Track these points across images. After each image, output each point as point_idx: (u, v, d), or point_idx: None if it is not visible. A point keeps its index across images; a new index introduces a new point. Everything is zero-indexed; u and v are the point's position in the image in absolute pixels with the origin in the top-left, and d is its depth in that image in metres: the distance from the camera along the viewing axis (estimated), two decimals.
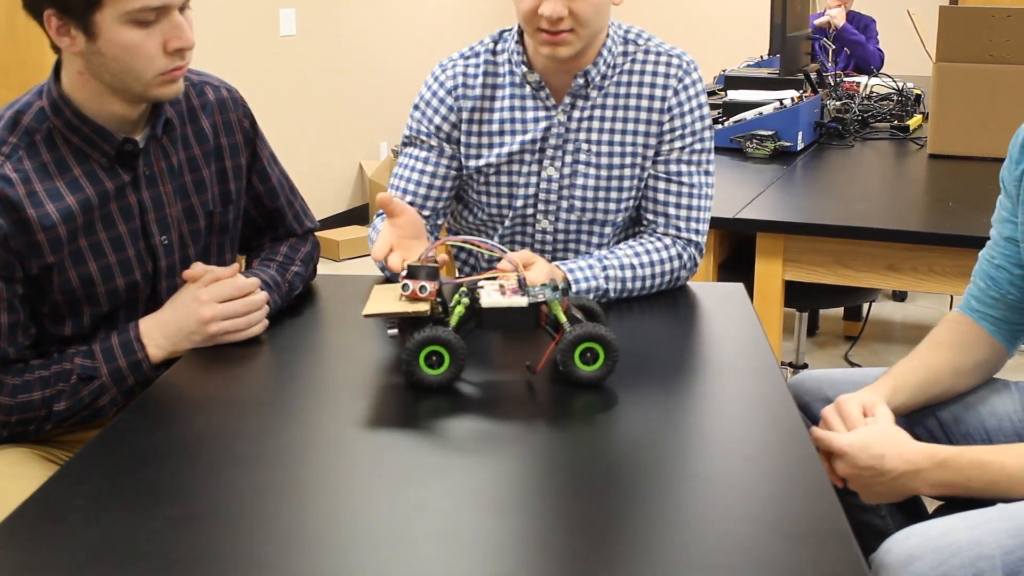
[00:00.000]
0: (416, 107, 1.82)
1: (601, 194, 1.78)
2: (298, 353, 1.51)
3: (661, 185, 1.77)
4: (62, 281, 1.46)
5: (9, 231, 1.40)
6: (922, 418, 1.50)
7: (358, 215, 5.85)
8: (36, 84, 1.51)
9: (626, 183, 1.78)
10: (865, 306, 4.01)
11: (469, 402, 1.32)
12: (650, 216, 1.78)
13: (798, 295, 2.73)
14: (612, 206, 1.79)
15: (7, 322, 1.43)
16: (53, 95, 1.46)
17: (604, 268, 1.68)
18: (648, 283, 1.71)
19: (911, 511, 1.57)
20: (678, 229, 1.76)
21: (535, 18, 1.64)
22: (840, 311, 4.20)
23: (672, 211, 1.76)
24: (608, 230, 1.81)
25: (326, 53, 5.53)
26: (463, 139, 1.80)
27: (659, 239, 1.75)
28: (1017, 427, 1.56)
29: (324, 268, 1.84)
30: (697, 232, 1.77)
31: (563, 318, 1.35)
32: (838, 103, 3.54)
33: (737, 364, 1.44)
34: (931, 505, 1.60)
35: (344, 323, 1.63)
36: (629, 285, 1.69)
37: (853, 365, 3.75)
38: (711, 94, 4.01)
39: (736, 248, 2.57)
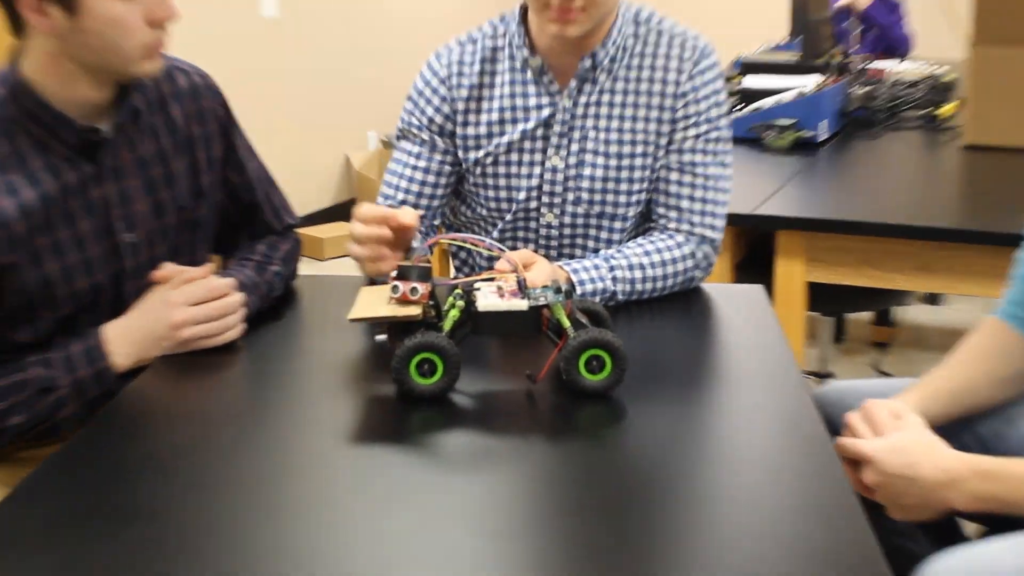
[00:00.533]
0: (409, 98, 1.83)
1: (610, 185, 1.78)
2: (277, 361, 1.51)
3: (674, 176, 1.77)
4: (18, 283, 1.46)
5: None
6: (958, 432, 1.50)
7: (344, 211, 5.84)
8: None
9: (637, 173, 1.78)
10: (896, 310, 4.02)
11: (464, 414, 1.32)
12: (662, 210, 1.78)
13: (822, 298, 2.72)
14: (622, 198, 1.79)
15: None
16: (12, 80, 1.46)
17: (611, 268, 1.67)
18: (659, 284, 1.71)
19: (948, 537, 1.56)
20: (692, 224, 1.75)
21: None
22: (868, 316, 4.20)
23: (685, 204, 1.76)
24: (618, 224, 1.81)
25: (311, 36, 5.54)
26: (459, 131, 1.81)
27: (671, 236, 1.75)
28: None
29: (307, 268, 1.84)
30: (712, 228, 1.76)
31: (567, 323, 1.34)
32: (864, 90, 3.54)
33: (756, 373, 1.44)
34: (970, 531, 1.60)
35: (328, 328, 1.63)
36: (639, 287, 1.69)
37: (883, 374, 3.75)
38: (727, 80, 4.01)
39: (754, 247, 2.57)
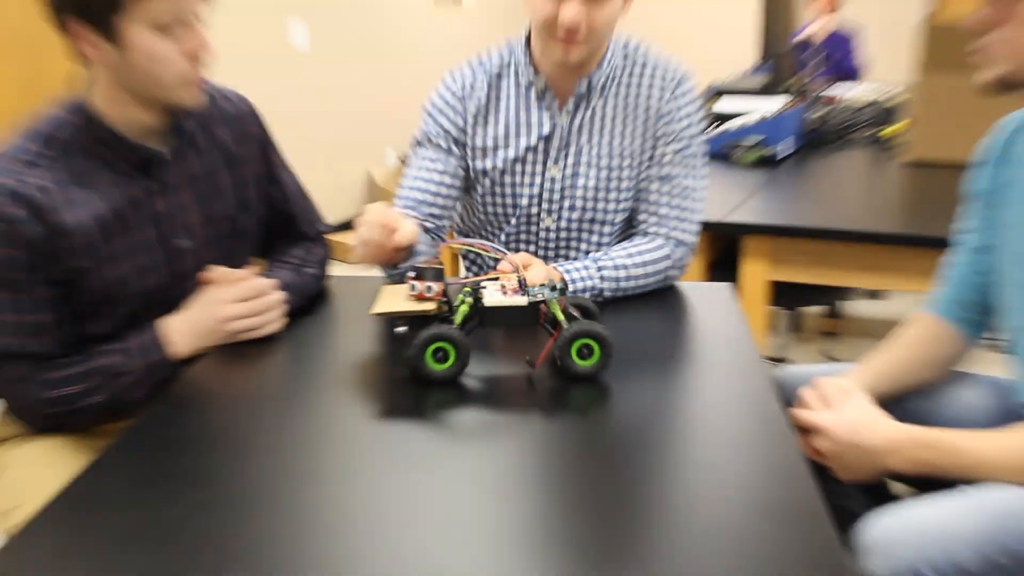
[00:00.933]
0: (426, 111, 1.82)
1: (601, 194, 1.79)
2: (312, 349, 1.51)
3: (654, 187, 1.77)
4: (93, 283, 1.47)
5: (41, 236, 1.40)
6: (892, 408, 1.51)
7: None
8: (55, 95, 1.52)
9: (624, 183, 1.78)
10: (843, 304, 4.02)
11: (473, 395, 1.33)
12: (643, 216, 1.78)
13: (781, 294, 2.73)
14: (611, 206, 1.80)
15: (44, 322, 1.44)
16: (83, 108, 1.46)
17: (599, 268, 1.68)
18: (641, 282, 1.72)
19: (879, 495, 1.58)
20: (669, 229, 1.76)
21: (552, 24, 1.65)
22: (820, 309, 4.20)
23: (664, 211, 1.76)
24: (607, 229, 1.82)
25: (336, 66, 5.51)
26: (469, 142, 1.80)
27: (651, 239, 1.75)
28: (982, 417, 1.57)
29: (335, 269, 1.85)
30: (687, 232, 1.77)
31: (561, 316, 1.36)
32: (819, 113, 3.54)
33: (724, 359, 1.44)
34: (898, 491, 1.62)
35: (355, 321, 1.64)
36: (623, 284, 1.70)
37: (832, 360, 3.75)
38: (702, 103, 4.02)
39: (724, 249, 2.57)
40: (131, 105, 1.46)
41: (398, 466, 1.13)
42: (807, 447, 1.43)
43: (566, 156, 1.78)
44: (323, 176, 5.50)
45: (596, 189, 1.78)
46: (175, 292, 1.56)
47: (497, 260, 1.84)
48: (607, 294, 1.69)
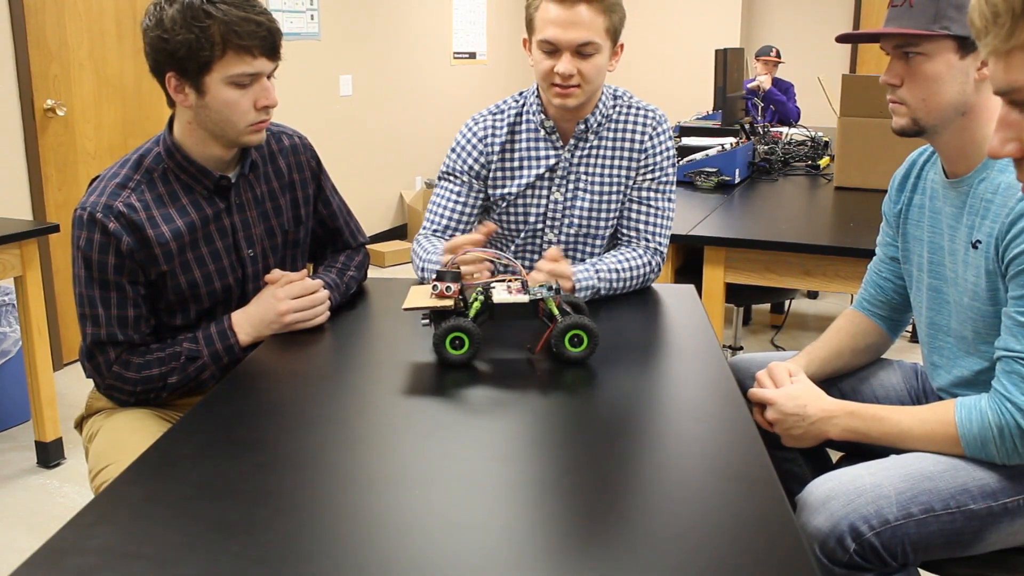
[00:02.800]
0: (453, 150, 1.81)
1: (594, 214, 1.78)
2: (353, 337, 1.50)
3: (634, 207, 1.76)
4: (174, 285, 1.46)
5: (134, 246, 1.40)
6: (827, 388, 1.50)
7: (399, 232, 5.86)
8: (155, 134, 1.51)
9: (612, 206, 1.77)
10: (787, 302, 4.01)
11: (484, 375, 1.32)
12: (627, 232, 1.78)
13: (736, 294, 2.73)
14: (602, 223, 1.78)
15: (133, 315, 1.43)
16: (167, 142, 1.46)
17: (597, 272, 1.67)
18: (628, 284, 1.71)
19: (819, 461, 1.56)
20: (647, 241, 1.75)
21: (551, 75, 1.64)
22: (768, 306, 4.20)
23: (642, 227, 1.76)
24: (598, 242, 1.80)
25: (375, 109, 5.54)
26: (491, 174, 1.79)
27: (634, 250, 1.74)
28: (900, 396, 1.56)
29: (372, 273, 1.84)
30: (661, 244, 1.76)
31: (556, 311, 1.35)
32: (766, 147, 3.53)
33: (689, 347, 1.44)
34: (835, 458, 1.60)
35: (388, 315, 1.63)
36: (615, 285, 1.69)
37: (778, 348, 3.75)
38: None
39: (689, 257, 2.56)
40: (207, 141, 1.45)
41: (421, 434, 1.12)
42: (760, 419, 1.42)
43: (566, 184, 1.77)
44: (364, 197, 5.51)
45: (590, 210, 1.77)
46: (242, 292, 1.55)
47: (506, 266, 1.84)
48: (602, 292, 1.68)
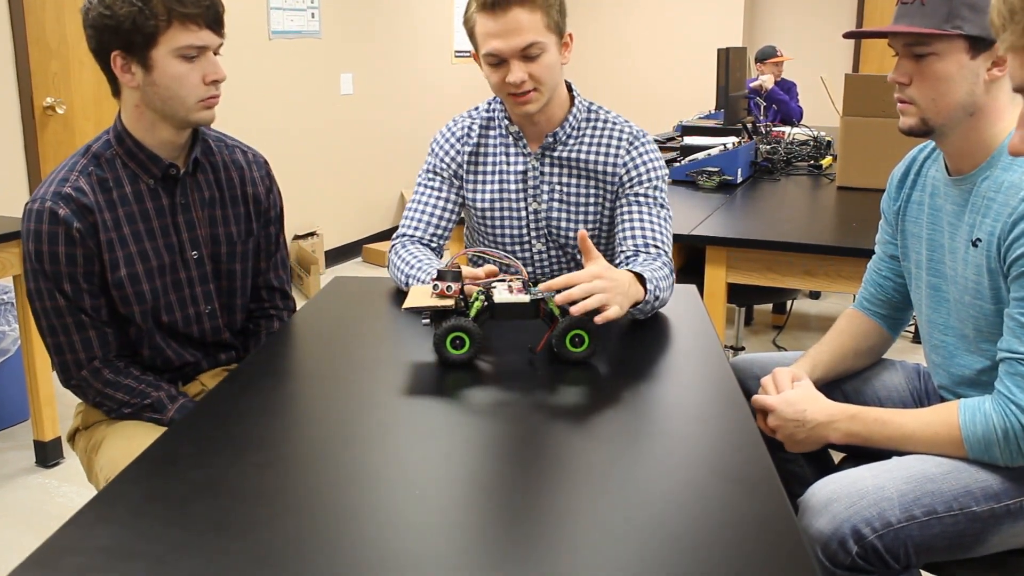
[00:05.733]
0: (432, 151, 1.82)
1: (572, 226, 1.76)
2: (353, 338, 1.50)
3: (627, 217, 1.70)
4: (115, 278, 1.45)
5: (85, 231, 1.40)
6: (830, 391, 1.50)
7: None
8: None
9: (591, 217, 1.76)
10: (789, 302, 4.01)
11: (484, 375, 1.32)
12: (639, 241, 1.67)
13: (737, 293, 2.73)
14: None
15: (96, 337, 1.45)
16: (117, 128, 1.46)
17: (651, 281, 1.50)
18: (666, 293, 1.57)
19: (821, 463, 1.56)
20: (656, 248, 1.66)
21: (504, 86, 1.63)
22: (769, 306, 4.19)
23: (658, 237, 1.67)
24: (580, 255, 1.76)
25: (376, 107, 5.53)
26: (465, 175, 1.79)
27: (654, 260, 1.63)
28: (902, 397, 1.56)
29: (373, 272, 1.83)
30: (670, 250, 1.69)
31: (557, 311, 1.34)
32: (768, 147, 3.53)
33: (691, 347, 1.43)
34: (836, 459, 1.60)
35: (389, 314, 1.62)
36: (662, 296, 1.54)
37: (779, 348, 3.74)
38: (670, 139, 4.00)
39: (691, 257, 2.56)
40: (155, 124, 1.44)
41: (422, 434, 1.11)
42: (762, 424, 1.42)
43: (541, 194, 1.76)
44: (364, 194, 5.51)
45: (568, 221, 1.76)
46: (180, 297, 1.53)
47: (507, 266, 1.82)
48: (656, 304, 1.52)
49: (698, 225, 2.42)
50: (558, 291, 1.33)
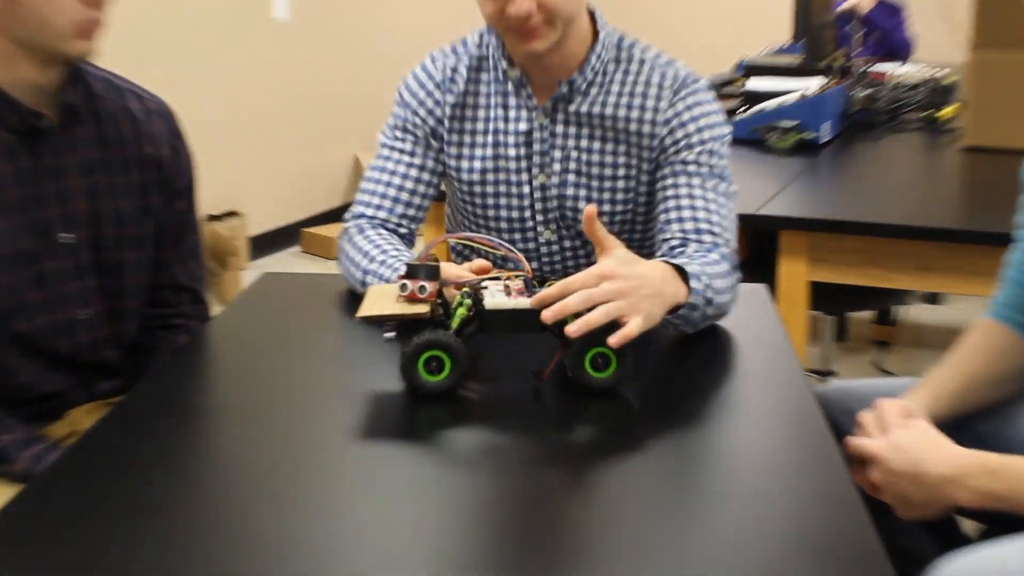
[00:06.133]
0: (402, 96, 1.81)
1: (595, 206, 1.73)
2: (286, 358, 1.50)
3: (671, 194, 1.68)
4: None
5: None
6: (958, 431, 1.49)
7: None
8: None
9: (619, 195, 1.75)
10: (897, 309, 4.00)
11: (471, 411, 1.32)
12: (688, 226, 1.65)
13: (824, 297, 2.71)
14: (605, 219, 1.75)
15: None
16: None
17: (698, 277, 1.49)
18: (727, 296, 1.56)
19: (948, 536, 1.56)
20: (713, 236, 1.64)
21: (503, 18, 1.60)
22: (870, 314, 4.19)
23: (716, 220, 1.65)
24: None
25: (321, 39, 5.53)
26: (447, 136, 1.78)
27: (707, 253, 1.60)
28: None
29: (316, 266, 1.84)
30: (730, 240, 1.67)
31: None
32: (866, 92, 3.53)
33: (760, 371, 1.43)
34: (970, 529, 1.59)
35: (337, 326, 1.63)
36: (717, 300, 1.52)
37: (885, 373, 3.74)
38: (730, 83, 4.00)
39: (758, 246, 2.57)
40: (15, 58, 1.44)
41: (381, 495, 1.11)
42: (862, 479, 1.41)
43: (552, 163, 1.76)
44: (307, 161, 5.51)
45: (588, 201, 1.75)
46: (45, 296, 1.53)
47: (505, 258, 1.81)
48: (710, 312, 1.51)
49: (768, 202, 2.42)
50: (548, 305, 1.28)
